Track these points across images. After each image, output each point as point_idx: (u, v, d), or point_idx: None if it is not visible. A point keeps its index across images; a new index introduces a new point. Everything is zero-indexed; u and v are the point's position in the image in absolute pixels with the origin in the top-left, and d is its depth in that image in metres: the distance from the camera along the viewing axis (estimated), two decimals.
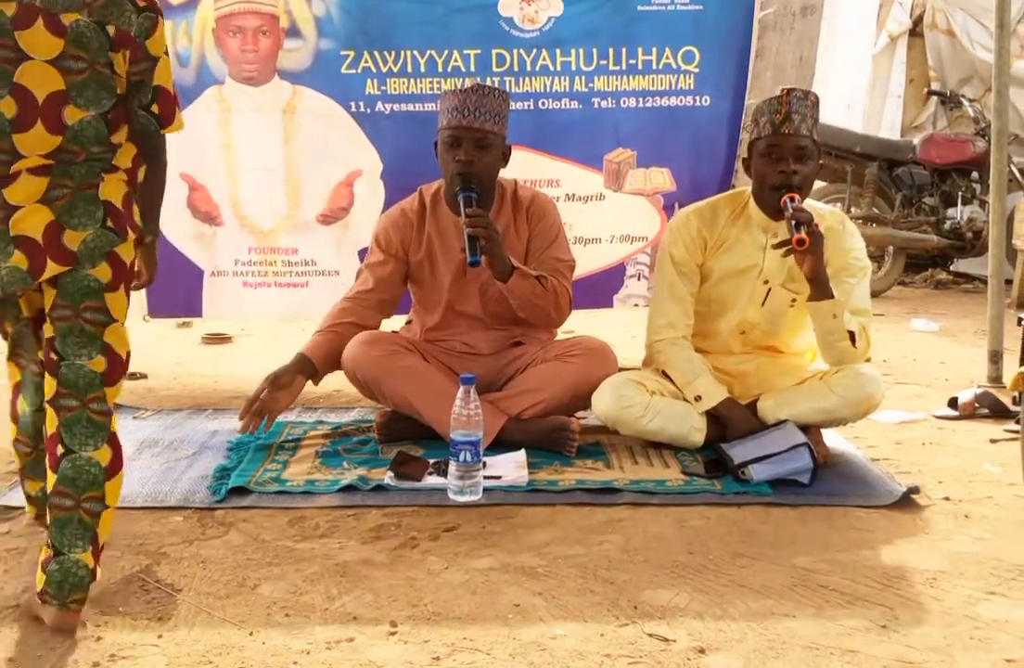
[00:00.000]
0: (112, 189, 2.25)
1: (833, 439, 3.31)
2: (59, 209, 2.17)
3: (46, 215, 2.16)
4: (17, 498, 2.78)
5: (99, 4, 2.15)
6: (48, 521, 2.19)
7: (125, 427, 3.44)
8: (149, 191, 2.42)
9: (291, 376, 3.27)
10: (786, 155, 3.08)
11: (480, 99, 3.16)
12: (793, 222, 2.97)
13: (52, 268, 2.16)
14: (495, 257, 3.11)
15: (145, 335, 4.15)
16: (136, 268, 2.42)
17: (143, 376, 4.26)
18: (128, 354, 2.32)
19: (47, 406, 2.21)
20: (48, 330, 2.22)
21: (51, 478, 2.19)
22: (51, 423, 2.21)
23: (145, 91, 2.26)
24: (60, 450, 2.18)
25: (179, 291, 4.10)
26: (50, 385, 2.21)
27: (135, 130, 2.28)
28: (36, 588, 2.14)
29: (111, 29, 2.16)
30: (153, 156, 2.37)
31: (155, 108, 2.28)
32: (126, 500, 2.77)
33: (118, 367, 2.28)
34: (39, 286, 2.20)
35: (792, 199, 3.03)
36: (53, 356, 2.21)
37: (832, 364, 3.21)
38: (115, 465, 2.25)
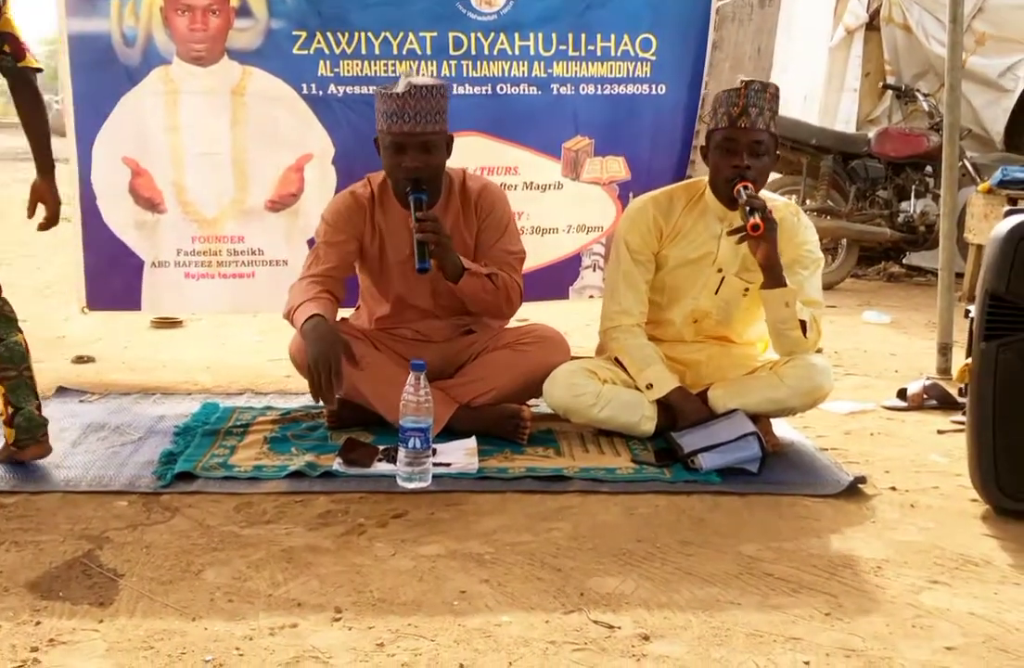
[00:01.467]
0: None
1: (783, 429, 3.33)
2: None
3: None
4: None
5: None
6: (3, 390, 2.88)
7: (71, 411, 3.44)
8: (32, 127, 2.96)
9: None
10: (741, 149, 3.08)
11: (419, 102, 3.08)
12: (747, 208, 2.98)
13: None
14: (445, 260, 3.09)
15: (92, 318, 4.07)
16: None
17: (90, 360, 4.21)
18: None
19: None
20: None
21: None
22: None
23: None
24: None
25: (118, 282, 3.94)
26: None
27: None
28: (10, 441, 2.89)
29: None
30: (23, 92, 2.92)
31: (6, 48, 2.83)
32: (70, 484, 2.77)
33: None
34: None
35: (746, 187, 3.03)
36: None
37: (783, 354, 3.22)
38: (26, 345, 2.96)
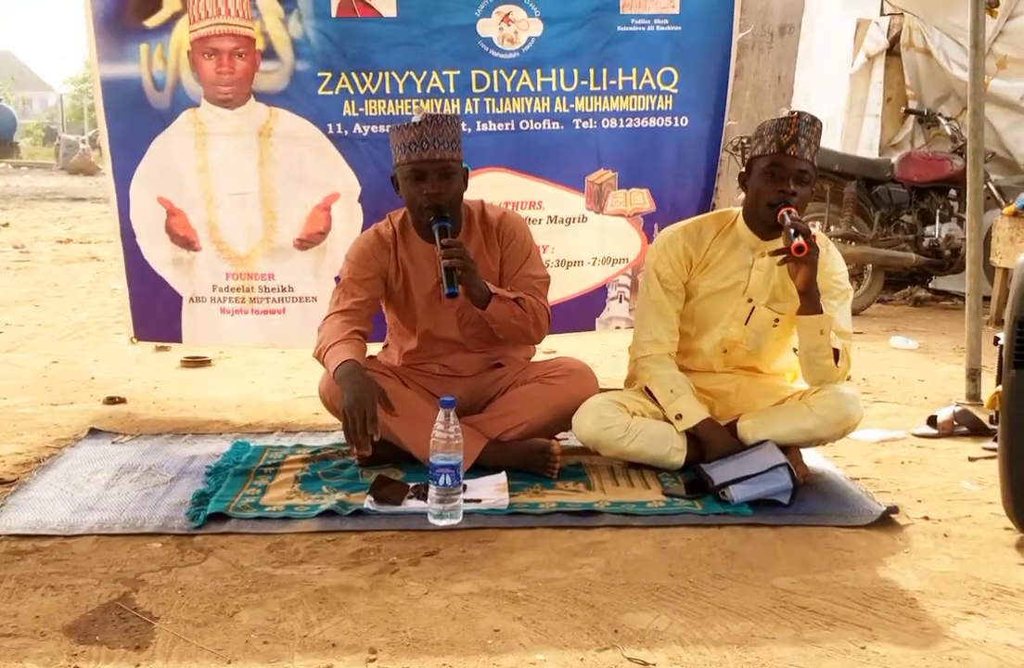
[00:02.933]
0: None
1: (813, 458, 3.32)
2: None
3: None
4: None
5: None
6: None
7: (104, 452, 3.47)
8: None
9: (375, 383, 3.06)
10: (788, 175, 3.10)
11: (436, 129, 3.14)
12: (792, 230, 2.98)
13: None
14: (472, 286, 3.11)
15: (123, 359, 4.13)
16: None
17: (121, 401, 4.24)
18: None
19: None
20: None
21: None
22: None
23: None
24: None
25: (160, 316, 4.08)
26: None
27: None
28: None
29: None
30: None
31: None
32: (104, 526, 2.79)
33: None
34: None
35: (789, 212, 3.05)
36: None
37: (812, 383, 3.22)
38: None
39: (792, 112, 3.17)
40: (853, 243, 6.51)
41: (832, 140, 7.54)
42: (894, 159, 6.73)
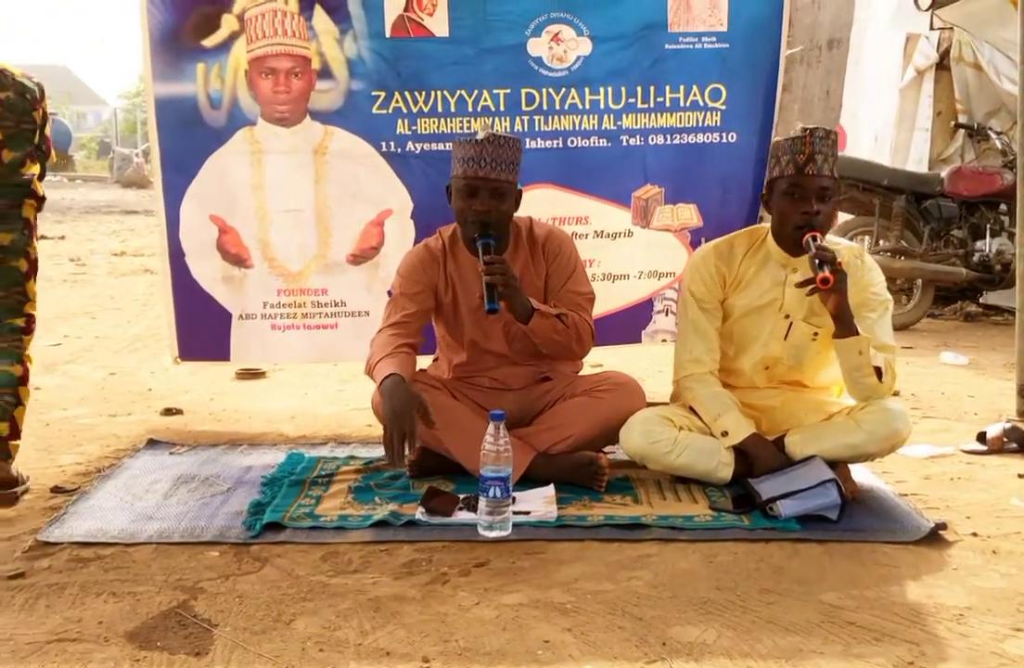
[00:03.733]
0: (29, 211, 3.41)
1: (861, 474, 3.33)
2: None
3: None
4: (57, 534, 2.85)
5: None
6: None
7: (162, 463, 3.55)
8: None
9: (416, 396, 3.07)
10: (809, 195, 3.12)
11: (496, 150, 3.20)
12: (817, 261, 3.00)
13: None
14: (514, 301, 3.16)
15: (179, 371, 4.21)
16: None
17: (178, 412, 4.33)
18: (34, 314, 3.44)
19: None
20: None
21: None
22: None
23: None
24: None
25: (208, 335, 4.11)
26: None
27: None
28: None
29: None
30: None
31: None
32: (163, 535, 2.85)
33: (32, 323, 3.43)
34: None
35: (814, 238, 3.06)
36: None
37: (858, 399, 3.23)
38: (25, 377, 3.35)
39: (804, 129, 3.18)
40: (903, 258, 6.50)
41: (881, 154, 7.55)
42: (944, 173, 6.71)
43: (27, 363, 3.38)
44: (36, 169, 3.44)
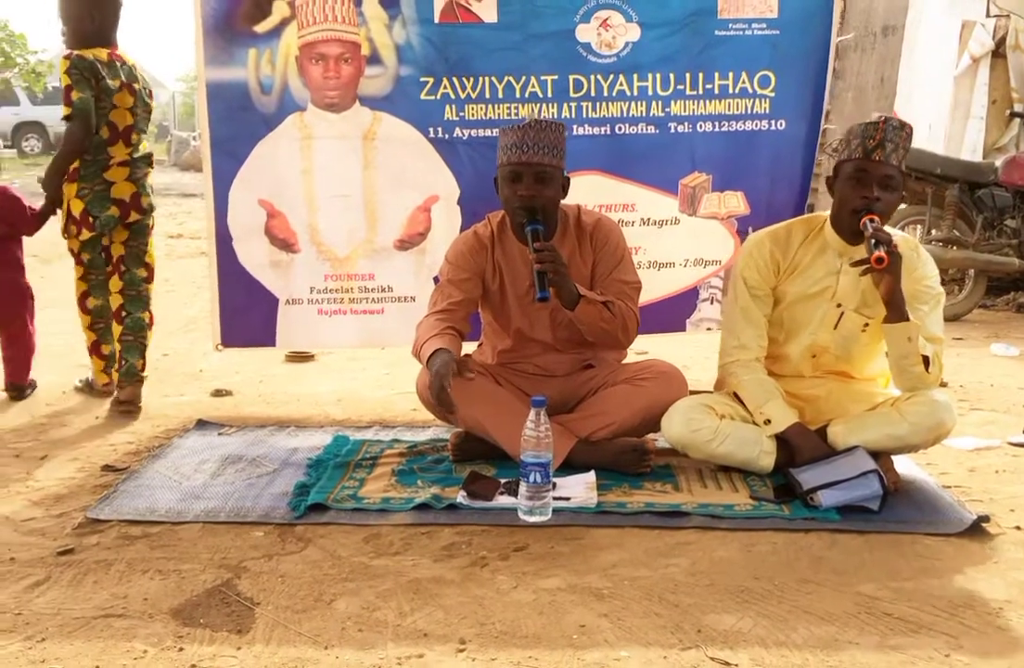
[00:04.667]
0: (151, 178, 4.34)
1: (905, 465, 3.31)
2: (139, 186, 4.23)
3: (132, 187, 4.20)
4: (107, 512, 2.91)
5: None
6: (120, 348, 4.20)
7: (210, 443, 3.61)
8: None
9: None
10: (871, 181, 3.10)
11: (538, 134, 3.21)
12: (872, 241, 2.98)
13: (133, 216, 4.21)
14: (562, 288, 3.17)
15: (230, 353, 4.27)
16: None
17: (228, 393, 4.40)
18: (153, 266, 4.37)
19: (116, 294, 4.26)
20: (118, 251, 4.26)
21: (118, 328, 4.25)
22: (116, 303, 4.27)
23: None
24: (123, 314, 4.25)
25: (254, 320, 4.15)
26: (117, 283, 4.26)
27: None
28: (113, 383, 4.25)
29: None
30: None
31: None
32: (210, 514, 2.91)
33: (151, 273, 4.33)
34: (120, 227, 4.20)
35: (872, 220, 3.05)
36: (122, 267, 4.27)
37: (904, 390, 3.21)
38: (151, 321, 4.31)
39: (880, 116, 3.16)
40: (955, 247, 6.42)
41: (935, 143, 7.45)
42: (998, 162, 6.60)
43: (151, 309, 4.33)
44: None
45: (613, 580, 2.50)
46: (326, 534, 2.80)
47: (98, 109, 4.07)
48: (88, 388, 4.39)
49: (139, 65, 4.30)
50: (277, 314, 4.17)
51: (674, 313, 4.30)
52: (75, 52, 4.07)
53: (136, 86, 4.20)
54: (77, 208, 4.14)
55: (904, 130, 3.13)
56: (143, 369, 4.19)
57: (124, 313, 4.25)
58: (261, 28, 3.98)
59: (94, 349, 4.33)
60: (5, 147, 23.00)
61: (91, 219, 4.14)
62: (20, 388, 4.33)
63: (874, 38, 8.78)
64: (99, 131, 4.10)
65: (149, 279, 4.32)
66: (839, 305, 3.29)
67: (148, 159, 4.32)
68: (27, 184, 11.36)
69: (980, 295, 6.59)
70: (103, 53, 4.13)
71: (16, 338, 4.33)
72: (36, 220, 4.29)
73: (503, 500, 2.99)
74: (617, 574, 2.54)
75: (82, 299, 4.31)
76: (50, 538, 2.77)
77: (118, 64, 4.16)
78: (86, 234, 4.16)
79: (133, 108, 4.19)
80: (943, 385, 4.26)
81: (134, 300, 4.25)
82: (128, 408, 4.08)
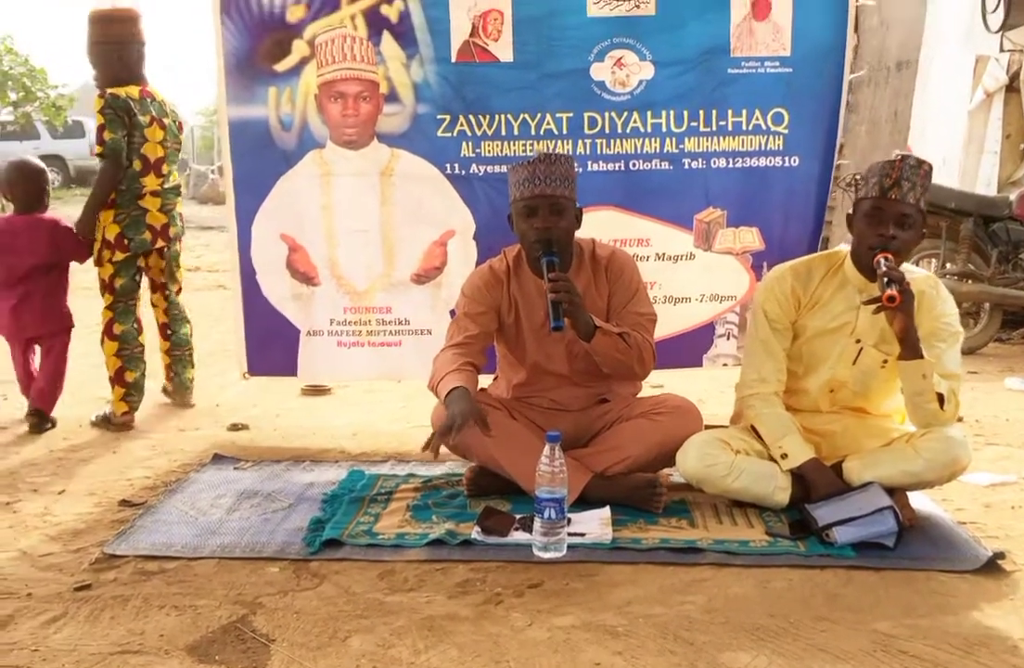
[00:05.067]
0: (180, 208, 4.67)
1: (920, 501, 3.30)
2: (168, 216, 4.56)
3: (164, 218, 4.55)
4: (124, 547, 2.93)
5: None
6: (169, 361, 4.82)
7: (226, 478, 3.63)
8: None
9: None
10: (888, 219, 3.11)
11: (548, 167, 3.26)
12: (884, 279, 2.99)
13: (160, 243, 4.54)
14: (577, 319, 3.19)
15: (247, 386, 4.30)
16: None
17: (244, 427, 4.42)
18: (181, 281, 4.85)
19: (162, 313, 4.78)
20: (158, 276, 4.70)
21: (164, 343, 4.81)
22: (161, 320, 4.80)
23: None
24: (169, 331, 4.78)
25: (276, 350, 4.26)
26: (161, 302, 4.76)
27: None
28: (131, 413, 4.48)
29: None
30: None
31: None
32: (226, 550, 2.92)
33: (180, 287, 4.82)
34: (154, 253, 4.59)
35: (887, 258, 3.06)
36: (166, 291, 4.73)
37: (919, 426, 3.21)
38: (191, 331, 4.84)
39: (897, 154, 3.18)
40: (970, 281, 6.42)
41: (949, 177, 7.47)
42: (1012, 196, 6.60)
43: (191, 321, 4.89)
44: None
45: (628, 617, 2.50)
46: (341, 570, 2.81)
47: (131, 143, 4.40)
48: (105, 422, 4.47)
49: (168, 100, 4.64)
50: (298, 345, 4.26)
51: (691, 348, 4.31)
52: (109, 91, 4.37)
53: (166, 120, 4.55)
54: (112, 232, 4.43)
55: (922, 168, 3.14)
56: (192, 379, 4.81)
57: (169, 331, 4.77)
58: (281, 67, 4.06)
59: (117, 377, 4.48)
60: None
61: (126, 241, 4.43)
62: (42, 415, 4.42)
63: (888, 73, 8.82)
64: (132, 163, 4.42)
65: (178, 292, 4.79)
66: (858, 341, 3.30)
67: (177, 190, 4.63)
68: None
69: (995, 329, 6.58)
70: (135, 90, 4.44)
71: (53, 366, 4.51)
72: (87, 248, 4.52)
73: (518, 536, 3.00)
74: (632, 611, 2.54)
75: (108, 326, 4.49)
76: (67, 574, 2.79)
77: (148, 100, 4.48)
78: (120, 255, 4.44)
79: (163, 141, 4.53)
80: (959, 419, 4.25)
81: (175, 318, 4.76)
82: (182, 406, 4.81)
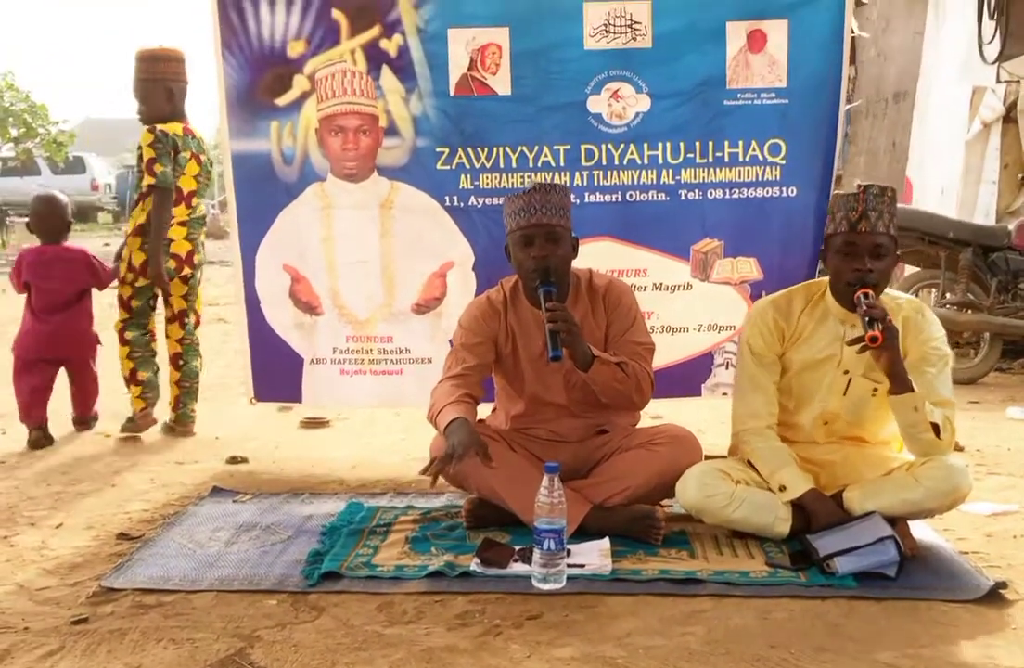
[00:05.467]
0: (203, 237, 4.95)
1: (922, 531, 3.29)
2: (194, 244, 4.83)
3: (189, 246, 4.81)
4: (120, 581, 2.91)
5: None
6: (178, 393, 4.90)
7: (225, 511, 3.61)
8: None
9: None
10: (862, 253, 3.12)
11: (544, 196, 3.28)
12: (866, 319, 3.00)
13: (186, 270, 4.79)
14: (575, 349, 3.20)
15: (246, 419, 4.30)
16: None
17: (243, 460, 4.40)
18: (200, 313, 5.05)
19: (175, 342, 4.92)
20: (179, 304, 4.90)
21: (174, 374, 4.91)
22: (173, 350, 4.94)
23: None
24: (180, 362, 4.91)
25: (282, 378, 4.32)
26: (177, 332, 4.93)
27: None
28: (149, 409, 4.85)
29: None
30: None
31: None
32: (224, 582, 2.91)
33: (199, 319, 5.01)
34: (177, 280, 4.80)
35: (866, 295, 3.06)
36: (184, 319, 4.91)
37: (917, 455, 3.19)
38: (201, 365, 4.96)
39: (859, 186, 3.18)
40: (969, 311, 6.42)
41: (948, 207, 7.50)
42: (1011, 226, 6.63)
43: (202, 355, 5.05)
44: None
45: (628, 649, 2.48)
46: (339, 602, 2.79)
47: None
48: (130, 424, 4.83)
49: (205, 138, 4.97)
50: (303, 372, 4.31)
51: (689, 378, 4.31)
52: (158, 127, 4.67)
53: (203, 157, 4.86)
54: (138, 259, 4.73)
55: (886, 195, 3.16)
56: (194, 411, 4.94)
57: (181, 361, 4.91)
58: (282, 101, 4.12)
59: (131, 377, 4.86)
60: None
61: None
62: (86, 421, 5.03)
63: (885, 104, 8.88)
64: None
65: (197, 324, 4.99)
66: (846, 372, 3.30)
67: (202, 220, 4.93)
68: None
69: (996, 358, 6.57)
70: (179, 127, 4.74)
71: (85, 383, 5.00)
72: (110, 277, 4.92)
73: (517, 567, 2.98)
74: (632, 643, 2.52)
75: (121, 333, 4.86)
76: (64, 607, 2.77)
77: (189, 137, 4.79)
78: (141, 281, 4.76)
79: (198, 176, 4.84)
80: (959, 449, 4.25)
81: (188, 348, 4.92)
82: (183, 435, 4.87)
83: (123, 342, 4.86)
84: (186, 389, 4.90)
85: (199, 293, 4.97)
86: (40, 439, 4.70)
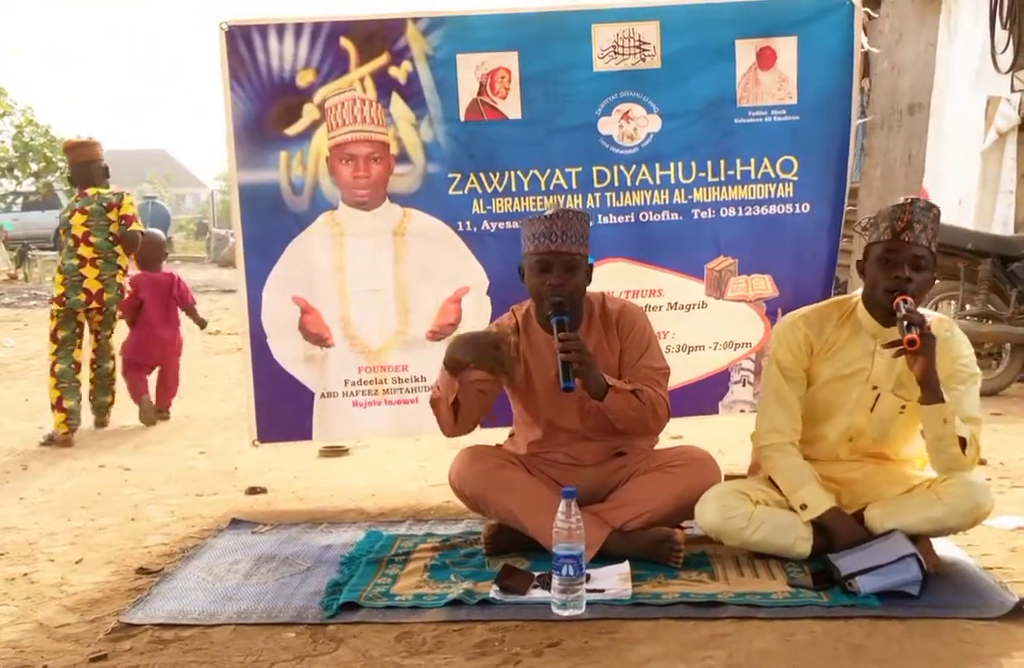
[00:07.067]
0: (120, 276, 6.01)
1: (945, 547, 3.25)
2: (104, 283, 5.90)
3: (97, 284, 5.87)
4: (139, 616, 2.91)
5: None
6: (92, 388, 6.05)
7: (244, 542, 3.61)
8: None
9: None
10: (902, 261, 3.11)
11: (565, 223, 3.27)
12: (905, 323, 2.98)
13: (95, 304, 5.86)
14: (589, 379, 3.19)
15: (265, 449, 4.27)
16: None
17: (262, 491, 4.40)
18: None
19: (92, 351, 6.02)
20: (96, 326, 5.98)
21: (91, 374, 6.03)
22: (91, 355, 6.02)
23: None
24: (96, 365, 6.04)
25: (287, 415, 4.19)
26: (94, 343, 6.02)
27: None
28: (71, 433, 5.66)
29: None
30: (129, 246, 6.07)
31: (124, 221, 6.05)
32: (242, 616, 2.90)
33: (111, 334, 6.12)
34: (92, 309, 5.88)
35: (905, 301, 3.05)
36: (98, 338, 6.01)
37: (941, 471, 3.17)
38: (114, 366, 6.12)
39: (907, 198, 3.19)
40: (990, 322, 6.38)
41: (965, 218, 7.46)
42: None
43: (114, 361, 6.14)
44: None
45: None
46: (358, 633, 2.78)
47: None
48: (49, 441, 5.59)
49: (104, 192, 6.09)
50: (312, 408, 4.20)
51: (706, 395, 4.28)
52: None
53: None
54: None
55: (932, 211, 3.15)
56: (112, 403, 6.12)
57: (96, 365, 6.07)
58: (292, 131, 4.10)
59: (58, 405, 5.70)
60: (48, 249, 23.50)
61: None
62: (163, 411, 6.29)
63: (900, 116, 8.85)
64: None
65: (110, 336, 6.10)
66: (875, 387, 3.27)
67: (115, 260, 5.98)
68: None
69: (1017, 369, 6.51)
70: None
71: (171, 379, 6.41)
72: (190, 295, 6.60)
73: (536, 594, 2.96)
74: None
75: (52, 366, 5.81)
76: (83, 644, 2.77)
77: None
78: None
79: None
80: (982, 462, 4.20)
81: (102, 355, 6.07)
82: (99, 425, 6.07)
83: (52, 375, 5.80)
84: (99, 385, 6.08)
85: (116, 318, 6.10)
86: (163, 418, 6.22)
